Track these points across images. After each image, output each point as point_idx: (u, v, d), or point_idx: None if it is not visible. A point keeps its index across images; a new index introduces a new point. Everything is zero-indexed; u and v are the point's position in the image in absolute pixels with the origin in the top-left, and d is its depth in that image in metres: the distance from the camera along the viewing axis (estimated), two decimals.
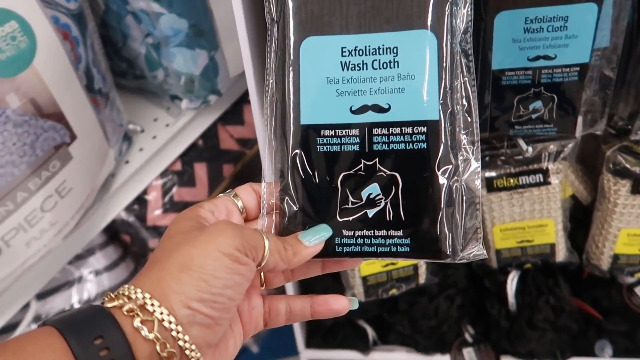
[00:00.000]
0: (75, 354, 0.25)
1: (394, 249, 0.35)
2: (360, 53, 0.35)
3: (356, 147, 0.36)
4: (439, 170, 0.35)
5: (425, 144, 0.34)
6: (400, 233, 0.35)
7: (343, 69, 0.35)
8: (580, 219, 0.71)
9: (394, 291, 0.67)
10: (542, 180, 0.62)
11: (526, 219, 0.64)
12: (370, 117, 0.35)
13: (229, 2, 0.69)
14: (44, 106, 0.58)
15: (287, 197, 0.37)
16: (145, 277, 0.30)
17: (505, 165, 0.61)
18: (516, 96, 0.53)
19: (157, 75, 0.76)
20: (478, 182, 0.36)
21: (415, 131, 0.34)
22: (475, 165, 0.36)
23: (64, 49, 0.58)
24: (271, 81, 0.38)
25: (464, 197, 0.36)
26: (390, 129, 0.35)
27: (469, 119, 0.36)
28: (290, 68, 0.36)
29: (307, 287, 0.75)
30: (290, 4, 0.36)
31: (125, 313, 0.27)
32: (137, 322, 0.27)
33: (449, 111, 0.35)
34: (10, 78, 0.53)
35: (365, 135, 0.36)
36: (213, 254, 0.29)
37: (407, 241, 0.35)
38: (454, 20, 0.35)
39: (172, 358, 0.28)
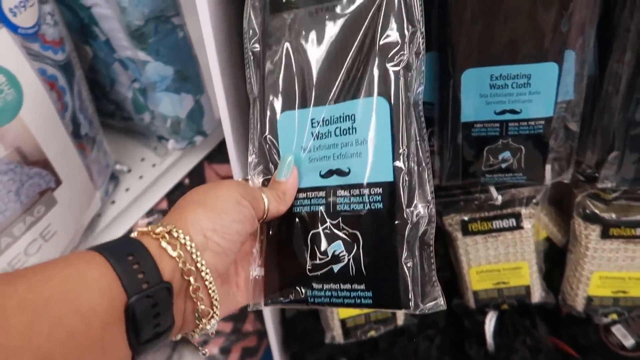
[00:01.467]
0: (113, 265, 0.30)
1: (357, 300, 0.38)
2: (326, 123, 0.38)
3: (322, 208, 0.38)
4: (396, 227, 0.37)
5: (381, 204, 0.37)
6: (362, 287, 0.37)
7: (314, 139, 0.38)
8: (556, 259, 0.72)
9: (372, 333, 0.67)
10: (515, 224, 0.63)
11: (501, 262, 0.66)
12: (334, 180, 0.38)
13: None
14: (29, 154, 0.59)
15: (267, 256, 0.39)
16: (168, 216, 0.36)
17: (479, 211, 0.63)
18: (485, 146, 0.55)
19: (144, 118, 0.78)
20: (432, 236, 0.38)
21: (372, 192, 0.37)
22: (430, 220, 0.38)
23: (51, 99, 0.60)
24: (251, 148, 0.40)
25: (422, 252, 0.38)
26: (351, 190, 0.37)
27: (424, 178, 0.38)
28: (269, 138, 0.39)
29: (289, 327, 0.75)
30: (269, 82, 0.39)
31: (154, 236, 0.33)
32: (164, 243, 0.33)
33: (403, 172, 0.37)
34: None
35: (330, 196, 0.38)
36: (223, 195, 0.36)
37: (370, 294, 0.37)
38: (407, 86, 0.37)
39: (190, 274, 0.33)
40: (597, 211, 0.61)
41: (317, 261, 0.38)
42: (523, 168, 0.56)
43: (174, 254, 0.32)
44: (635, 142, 0.52)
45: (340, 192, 0.38)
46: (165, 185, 0.83)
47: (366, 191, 0.37)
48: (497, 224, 0.64)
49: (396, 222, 0.37)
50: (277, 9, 0.39)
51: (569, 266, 0.68)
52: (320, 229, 0.38)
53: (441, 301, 0.38)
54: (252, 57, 0.41)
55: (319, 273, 0.38)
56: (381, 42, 0.36)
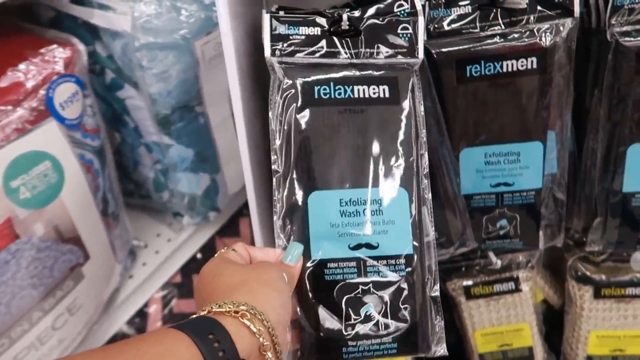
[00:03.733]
0: (197, 343, 0.32)
1: (385, 352, 0.45)
2: (354, 204, 0.45)
3: (355, 276, 0.44)
4: (415, 291, 0.44)
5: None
6: (390, 339, 0.44)
7: (342, 216, 0.45)
8: (555, 321, 0.77)
9: None
10: (514, 287, 0.68)
11: (503, 324, 0.70)
12: (364, 252, 0.45)
13: (230, 132, 0.79)
14: (64, 232, 0.64)
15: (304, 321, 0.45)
16: (237, 295, 0.37)
17: (481, 275, 0.68)
18: (484, 216, 0.61)
19: (162, 196, 0.84)
20: (437, 293, 0.47)
21: (397, 262, 0.44)
22: (436, 283, 0.46)
23: (87, 181, 0.65)
24: (280, 223, 0.46)
25: (432, 306, 0.46)
26: (379, 260, 0.44)
27: (431, 249, 0.47)
28: (300, 215, 0.45)
29: None
30: (293, 161, 0.45)
31: (233, 314, 0.35)
32: (246, 321, 0.35)
33: (417, 247, 0.45)
34: (38, 210, 0.60)
35: (361, 266, 0.44)
36: (275, 275, 0.40)
37: (395, 345, 0.45)
38: (419, 179, 0.46)
39: (267, 350, 0.36)
40: (588, 273, 0.67)
41: (352, 321, 0.44)
42: (519, 234, 0.62)
43: (255, 330, 0.35)
44: (616, 209, 0.59)
45: (370, 262, 0.44)
46: (179, 260, 0.88)
47: (392, 261, 0.44)
48: (497, 287, 0.69)
49: (415, 285, 0.44)
50: (309, 104, 0.46)
51: (567, 327, 0.73)
52: (353, 294, 0.44)
53: (443, 348, 0.47)
54: (278, 138, 0.47)
55: (353, 332, 0.44)
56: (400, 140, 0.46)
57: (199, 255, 0.91)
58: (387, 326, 0.44)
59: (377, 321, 0.44)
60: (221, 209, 0.88)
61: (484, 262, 0.68)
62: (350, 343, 0.44)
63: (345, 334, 0.44)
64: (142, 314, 0.83)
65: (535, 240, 0.62)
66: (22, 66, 0.58)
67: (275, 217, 0.46)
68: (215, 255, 0.44)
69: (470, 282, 0.69)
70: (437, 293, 0.47)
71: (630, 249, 0.61)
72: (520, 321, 0.70)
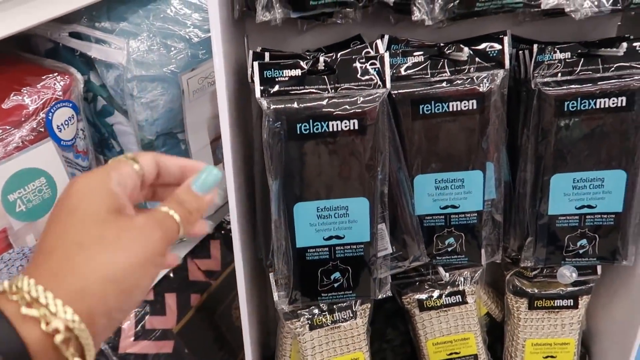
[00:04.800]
0: None
1: (345, 297, 0.65)
2: (327, 209, 0.56)
3: (327, 256, 0.60)
4: (371, 264, 0.63)
5: (362, 252, 0.62)
6: (350, 292, 0.65)
7: (318, 218, 0.58)
8: (497, 334, 0.86)
9: None
10: (460, 300, 0.77)
11: (452, 334, 0.79)
12: (334, 241, 0.60)
13: (208, 158, 0.86)
14: None
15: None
16: (53, 272, 0.28)
17: (432, 289, 0.77)
18: (435, 234, 0.71)
19: None
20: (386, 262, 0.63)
21: (358, 247, 0.62)
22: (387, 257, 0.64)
23: None
24: (273, 226, 0.59)
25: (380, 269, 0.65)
26: (344, 247, 0.61)
27: (385, 239, 0.62)
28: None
29: None
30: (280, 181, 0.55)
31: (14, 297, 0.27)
32: (28, 309, 0.27)
33: (375, 237, 0.62)
34: (32, 222, 0.65)
35: (332, 250, 0.60)
36: (139, 264, 0.30)
37: (354, 295, 0.65)
38: (376, 187, 0.58)
39: (65, 345, 0.27)
40: (523, 287, 0.77)
41: (325, 283, 0.63)
42: (464, 251, 0.71)
43: (38, 316, 0.26)
44: (543, 229, 0.69)
45: (339, 248, 0.61)
46: None
47: (354, 247, 0.61)
48: (446, 300, 0.78)
49: (371, 260, 0.62)
50: (292, 138, 0.56)
51: (507, 337, 0.82)
52: (326, 267, 0.62)
53: (388, 287, 0.66)
54: (270, 163, 0.57)
55: (325, 288, 0.64)
56: (366, 163, 0.57)
57: (171, 274, 0.95)
58: (348, 283, 0.64)
59: (342, 283, 0.64)
60: None
61: (435, 277, 0.77)
62: (323, 295, 0.64)
63: (319, 289, 0.64)
64: (115, 330, 0.87)
65: (478, 257, 0.72)
66: (24, 91, 0.64)
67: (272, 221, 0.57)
68: (103, 165, 0.34)
69: (423, 296, 0.78)
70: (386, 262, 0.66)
71: (556, 264, 0.72)
72: (467, 331, 0.79)
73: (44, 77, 0.66)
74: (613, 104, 0.61)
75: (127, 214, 0.32)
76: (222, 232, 1.05)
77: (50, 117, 0.65)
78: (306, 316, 0.71)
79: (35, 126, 0.64)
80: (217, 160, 0.90)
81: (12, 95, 0.63)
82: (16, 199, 0.62)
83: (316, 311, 0.71)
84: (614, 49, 0.59)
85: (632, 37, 0.61)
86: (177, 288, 0.96)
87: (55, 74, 0.67)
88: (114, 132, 0.78)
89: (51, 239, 0.30)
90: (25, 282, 0.27)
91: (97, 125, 0.79)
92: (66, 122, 0.67)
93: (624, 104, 0.61)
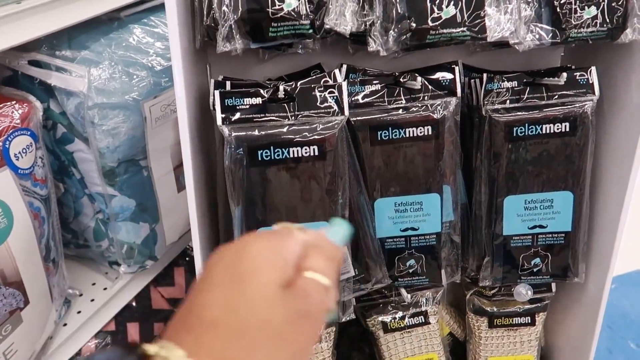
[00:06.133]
0: None
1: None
2: None
3: None
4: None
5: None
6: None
7: None
8: (460, 353, 0.88)
9: None
10: (423, 320, 0.79)
11: (416, 354, 0.80)
12: None
13: (171, 185, 0.86)
14: (8, 276, 0.67)
15: None
16: (208, 352, 0.27)
17: (395, 310, 0.78)
18: (396, 256, 0.72)
19: (101, 245, 0.87)
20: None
21: None
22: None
23: (33, 227, 0.69)
24: None
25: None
26: None
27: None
28: None
29: None
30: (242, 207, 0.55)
31: None
32: None
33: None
34: None
35: None
36: (297, 356, 0.29)
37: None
38: (342, 209, 0.58)
39: None
40: (483, 306, 0.79)
41: None
42: (425, 272, 0.73)
43: None
44: (499, 249, 0.72)
45: None
46: (114, 308, 0.90)
47: None
48: (409, 321, 0.79)
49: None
50: (253, 164, 0.56)
51: (469, 356, 0.84)
52: None
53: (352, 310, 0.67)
54: (232, 190, 0.57)
55: None
56: (327, 188, 0.57)
57: (133, 303, 0.94)
58: None
59: None
60: (158, 258, 0.92)
61: (398, 298, 0.79)
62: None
63: None
64: None
65: (439, 278, 0.74)
66: None
67: None
68: (275, 230, 0.33)
69: (387, 318, 0.79)
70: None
71: (512, 282, 0.74)
72: (430, 351, 0.80)
73: (1, 105, 0.66)
74: (557, 129, 0.64)
75: (294, 290, 0.30)
76: (187, 259, 1.04)
77: (7, 145, 0.64)
78: None
79: None
80: (181, 186, 0.90)
81: None
82: None
83: None
84: (556, 79, 0.63)
85: (573, 67, 0.66)
86: (139, 317, 0.94)
87: (13, 102, 0.67)
88: (74, 160, 0.78)
89: (216, 308, 0.28)
90: (176, 355, 0.26)
91: (56, 153, 0.78)
92: (24, 150, 0.66)
93: (567, 129, 0.65)
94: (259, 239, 0.31)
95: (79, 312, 0.86)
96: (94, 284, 0.91)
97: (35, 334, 0.74)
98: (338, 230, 0.35)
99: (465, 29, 0.58)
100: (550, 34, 0.58)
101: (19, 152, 0.66)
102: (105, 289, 0.90)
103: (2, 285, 0.66)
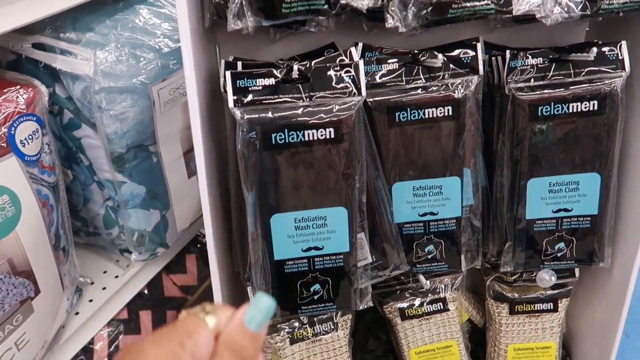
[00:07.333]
0: None
1: (326, 309, 0.63)
2: (305, 220, 0.55)
3: (306, 268, 0.60)
4: (351, 274, 0.61)
5: (342, 262, 0.60)
6: (330, 303, 0.63)
7: (296, 230, 0.57)
8: (479, 340, 0.86)
9: None
10: (442, 307, 0.77)
11: (435, 342, 0.78)
12: (313, 252, 0.58)
13: (181, 171, 0.84)
14: (18, 265, 0.65)
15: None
16: None
17: (413, 297, 0.76)
18: (414, 242, 0.70)
19: (112, 232, 0.86)
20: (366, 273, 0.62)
21: (337, 258, 0.60)
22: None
23: (42, 215, 0.68)
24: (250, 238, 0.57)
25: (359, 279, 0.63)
26: (324, 257, 0.60)
27: (365, 249, 0.61)
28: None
29: None
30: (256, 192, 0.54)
31: None
32: None
33: (354, 247, 0.60)
34: None
35: (311, 262, 0.58)
36: None
37: (334, 306, 0.63)
38: (354, 197, 0.57)
39: None
40: (503, 292, 0.77)
41: (304, 295, 0.61)
42: (444, 258, 0.71)
43: None
44: (521, 234, 0.69)
45: (318, 260, 0.59)
46: (126, 296, 0.89)
47: (334, 257, 0.60)
48: (428, 308, 0.77)
49: (351, 272, 0.61)
50: (267, 148, 0.54)
51: (489, 343, 0.82)
52: (305, 279, 0.61)
53: (369, 297, 0.64)
54: (245, 175, 0.55)
55: (305, 301, 0.62)
56: (343, 172, 0.56)
57: (145, 291, 0.92)
58: (329, 296, 0.62)
59: (322, 294, 0.62)
60: (169, 245, 0.91)
61: (416, 285, 0.77)
62: (303, 308, 0.62)
63: (299, 303, 0.62)
64: (88, 351, 0.83)
65: (458, 264, 0.71)
66: None
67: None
68: (173, 327, 0.29)
69: (404, 304, 0.77)
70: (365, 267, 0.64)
71: (535, 268, 0.72)
72: (449, 338, 0.78)
73: (5, 90, 0.63)
74: (585, 108, 0.61)
75: None
76: (198, 246, 1.03)
77: (12, 132, 0.62)
78: (286, 330, 0.69)
79: None
80: (191, 172, 0.88)
81: None
82: None
83: (296, 324, 0.69)
84: (585, 54, 0.60)
85: (600, 42, 0.62)
86: (152, 305, 0.93)
87: (18, 87, 0.64)
88: (81, 146, 0.76)
89: None
90: None
91: (63, 139, 0.76)
92: (30, 137, 0.64)
93: (595, 108, 0.61)
94: (153, 341, 0.27)
95: (90, 300, 0.85)
96: (105, 272, 0.90)
97: (47, 323, 0.73)
98: (259, 312, 0.30)
99: (489, 1, 0.54)
100: (580, 6, 0.55)
101: (25, 139, 0.64)
102: (116, 277, 0.88)
103: (12, 274, 0.64)
